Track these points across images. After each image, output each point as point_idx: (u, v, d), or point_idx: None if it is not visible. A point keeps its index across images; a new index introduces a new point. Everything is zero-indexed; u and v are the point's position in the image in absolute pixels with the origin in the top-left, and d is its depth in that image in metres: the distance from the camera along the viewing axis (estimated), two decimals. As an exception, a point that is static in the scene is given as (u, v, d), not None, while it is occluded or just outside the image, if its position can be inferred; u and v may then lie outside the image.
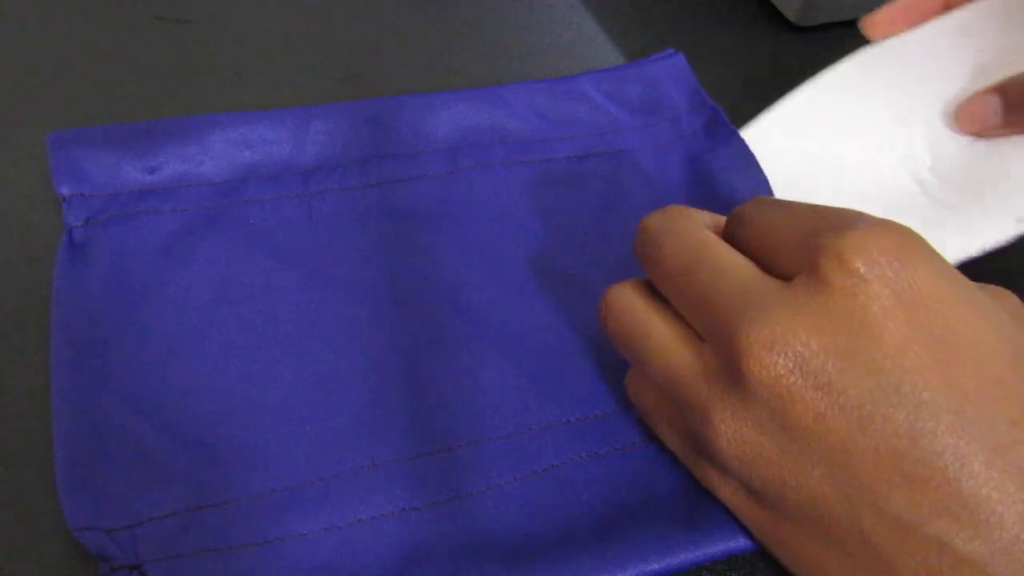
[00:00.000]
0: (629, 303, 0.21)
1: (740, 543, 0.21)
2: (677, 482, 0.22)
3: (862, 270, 0.17)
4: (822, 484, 0.17)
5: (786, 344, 0.17)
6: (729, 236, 0.21)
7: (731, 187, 0.29)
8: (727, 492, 0.20)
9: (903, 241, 0.17)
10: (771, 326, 0.17)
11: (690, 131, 0.31)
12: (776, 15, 0.40)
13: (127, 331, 0.24)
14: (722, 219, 0.22)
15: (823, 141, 0.29)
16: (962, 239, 0.25)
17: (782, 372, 0.17)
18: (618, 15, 0.39)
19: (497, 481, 0.22)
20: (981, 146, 0.28)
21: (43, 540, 0.21)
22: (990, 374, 0.16)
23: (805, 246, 0.18)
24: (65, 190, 0.26)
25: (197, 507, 0.21)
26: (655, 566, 0.20)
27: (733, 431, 0.18)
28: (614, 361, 0.25)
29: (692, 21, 0.40)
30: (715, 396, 0.18)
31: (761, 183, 0.28)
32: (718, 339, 0.18)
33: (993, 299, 0.18)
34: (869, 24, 0.29)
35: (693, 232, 0.21)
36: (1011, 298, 0.20)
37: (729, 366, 0.18)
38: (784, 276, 0.18)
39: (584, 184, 0.30)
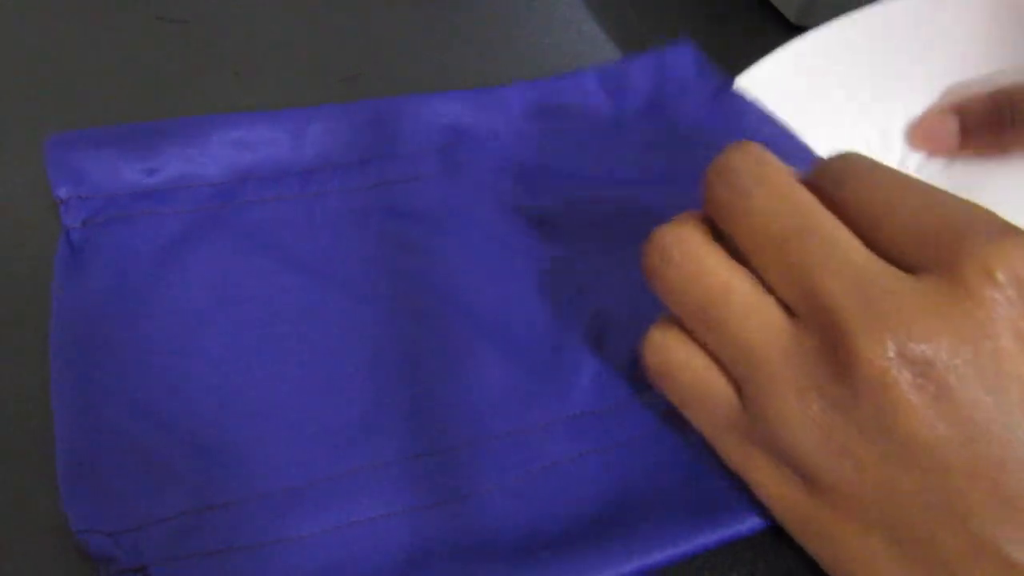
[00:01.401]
0: (697, 250, 0.18)
1: (743, 527, 0.21)
2: (680, 474, 0.22)
3: (1007, 289, 0.16)
4: (909, 490, 0.16)
5: (911, 346, 0.16)
6: (813, 187, 0.19)
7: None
8: (771, 480, 0.18)
9: None
10: (895, 323, 0.16)
11: (696, 113, 0.31)
12: (776, 15, 0.40)
13: (126, 333, 0.24)
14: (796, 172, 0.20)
15: (800, 104, 0.29)
16: None
17: (900, 376, 0.16)
18: (618, 15, 0.39)
19: (499, 480, 0.22)
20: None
21: (43, 540, 0.21)
22: None
23: (943, 243, 0.16)
24: (63, 192, 0.26)
25: (201, 509, 0.21)
26: (659, 557, 0.20)
27: (825, 423, 0.17)
28: (613, 356, 0.25)
29: (692, 21, 0.40)
30: (810, 382, 0.17)
31: (796, 145, 0.27)
32: (823, 322, 0.17)
33: None
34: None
35: (792, 190, 0.18)
36: None
37: (835, 354, 0.16)
38: (897, 260, 0.17)
39: (582, 182, 0.30)
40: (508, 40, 0.37)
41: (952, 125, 0.27)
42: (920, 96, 0.29)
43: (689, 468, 0.23)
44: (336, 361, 0.24)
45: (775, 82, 0.29)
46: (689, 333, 0.19)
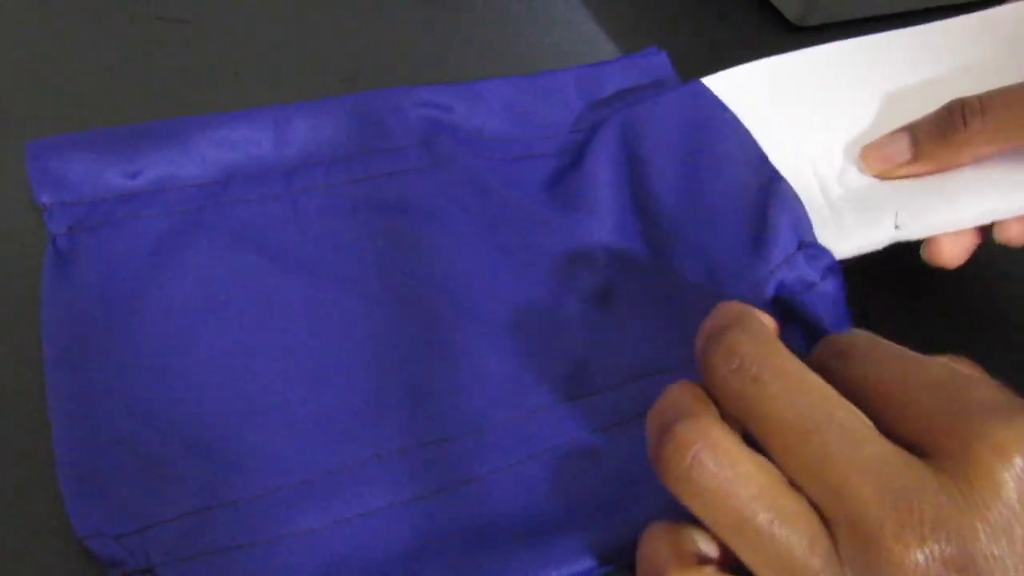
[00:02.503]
0: (730, 452, 0.17)
1: None
2: None
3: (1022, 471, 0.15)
4: None
5: (936, 538, 0.15)
6: (818, 365, 0.18)
7: (716, 160, 0.28)
8: None
9: None
10: (930, 527, 0.15)
11: (666, 109, 0.31)
12: (776, 15, 0.40)
13: (119, 337, 0.24)
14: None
15: (760, 120, 0.29)
16: (838, 242, 0.25)
17: (929, 568, 0.15)
18: (618, 15, 0.39)
19: (500, 464, 0.22)
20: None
21: (45, 542, 0.21)
22: None
23: (956, 426, 0.16)
24: (46, 199, 0.26)
25: (205, 508, 0.21)
26: None
27: None
28: (604, 340, 0.25)
29: (692, 21, 0.40)
30: None
31: (752, 152, 0.28)
32: (852, 524, 0.16)
33: None
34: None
35: (806, 377, 0.17)
36: None
37: (867, 559, 0.15)
38: (908, 441, 0.16)
39: (561, 179, 0.30)
40: (508, 40, 0.37)
41: (902, 140, 0.27)
42: (875, 126, 0.29)
43: None
44: (330, 355, 0.24)
45: (740, 90, 0.30)
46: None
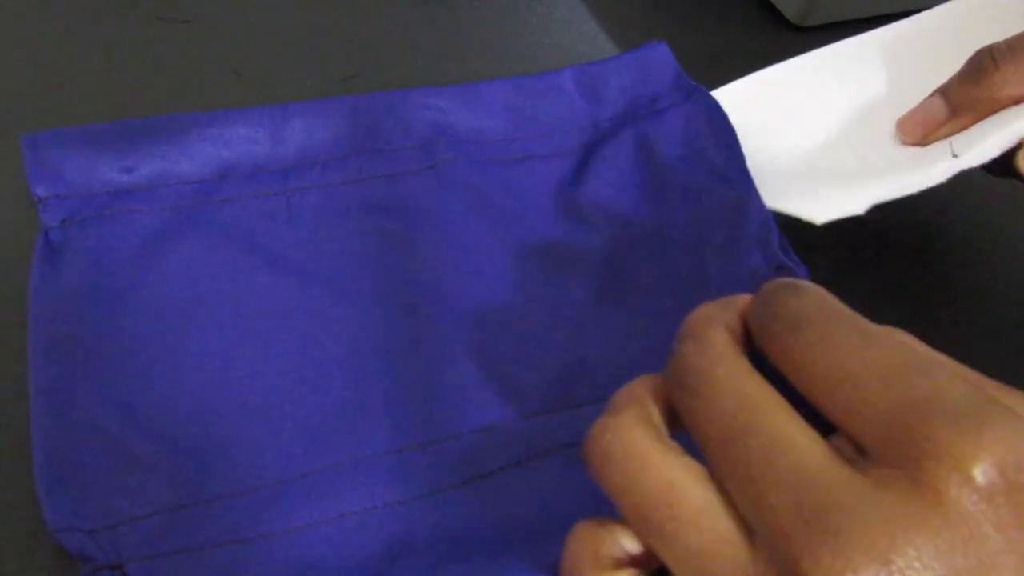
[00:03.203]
0: (638, 446, 0.16)
1: None
2: None
3: (984, 484, 0.13)
4: None
5: (883, 570, 0.13)
6: (761, 327, 0.17)
7: (712, 171, 0.29)
8: None
9: None
10: (855, 553, 0.13)
11: (669, 117, 0.31)
12: (776, 15, 0.40)
13: (105, 331, 0.24)
14: (746, 299, 0.18)
15: (769, 124, 0.29)
16: (894, 181, 0.25)
17: None
18: (618, 15, 0.39)
19: (478, 473, 0.22)
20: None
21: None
22: None
23: (909, 428, 0.14)
24: (41, 191, 0.26)
25: (179, 506, 0.21)
26: None
27: None
28: (599, 347, 0.25)
29: (692, 21, 0.40)
30: None
31: (740, 169, 0.28)
32: (773, 544, 0.14)
33: None
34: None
35: (740, 380, 0.16)
36: None
37: None
38: (851, 437, 0.15)
39: (560, 181, 0.30)
40: (508, 40, 0.37)
41: (935, 102, 0.27)
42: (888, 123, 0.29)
43: None
44: (316, 357, 0.24)
45: (750, 100, 0.30)
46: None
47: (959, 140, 0.25)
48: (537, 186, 0.29)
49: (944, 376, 0.14)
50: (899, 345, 0.15)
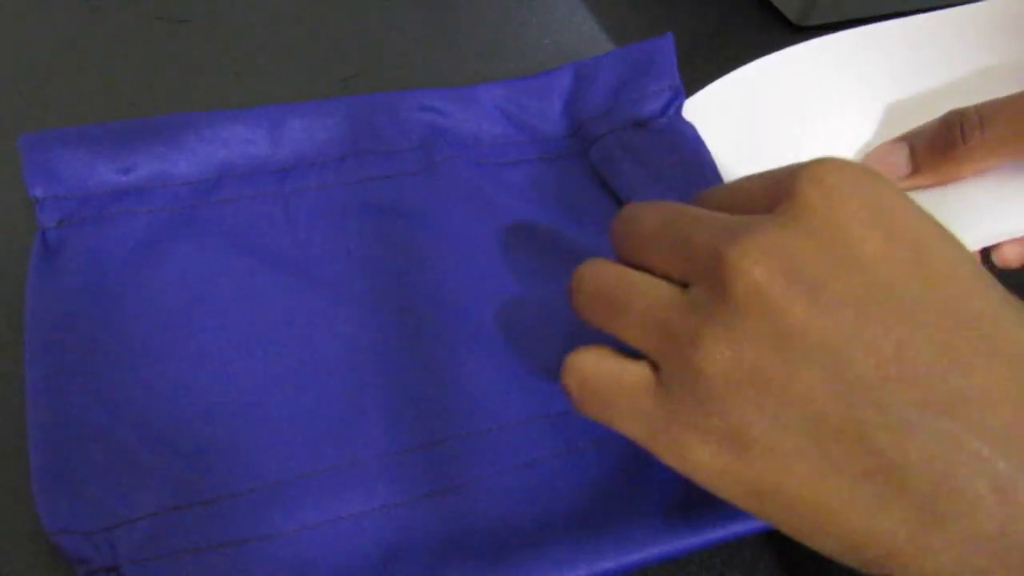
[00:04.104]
0: (603, 266, 0.22)
1: (717, 534, 0.21)
2: (655, 474, 0.22)
3: (838, 189, 0.18)
4: (821, 392, 0.17)
5: (775, 254, 0.18)
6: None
7: (685, 176, 0.29)
8: (707, 460, 0.19)
9: (869, 171, 0.18)
10: (758, 239, 0.18)
11: (649, 121, 0.31)
12: (776, 15, 0.40)
13: (102, 333, 0.23)
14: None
15: (746, 127, 0.29)
16: None
17: (773, 279, 0.17)
18: (618, 15, 0.39)
19: (476, 476, 0.22)
20: None
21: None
22: (963, 275, 0.17)
23: (777, 184, 0.19)
24: (38, 192, 0.26)
25: (176, 507, 0.21)
26: (633, 558, 0.20)
27: (725, 352, 0.18)
28: None
29: (692, 21, 0.40)
30: (704, 320, 0.18)
31: (710, 172, 0.29)
32: (703, 270, 0.19)
33: None
34: None
35: (671, 203, 0.22)
36: None
37: (717, 288, 0.18)
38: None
39: (557, 183, 0.30)
40: (508, 40, 0.37)
41: (901, 153, 0.27)
42: (867, 126, 0.29)
43: (664, 469, 0.22)
44: (314, 359, 0.24)
45: (725, 103, 0.30)
46: (602, 347, 0.21)
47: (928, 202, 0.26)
48: (533, 187, 0.29)
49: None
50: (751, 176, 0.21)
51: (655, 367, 0.20)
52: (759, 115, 0.30)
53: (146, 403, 0.22)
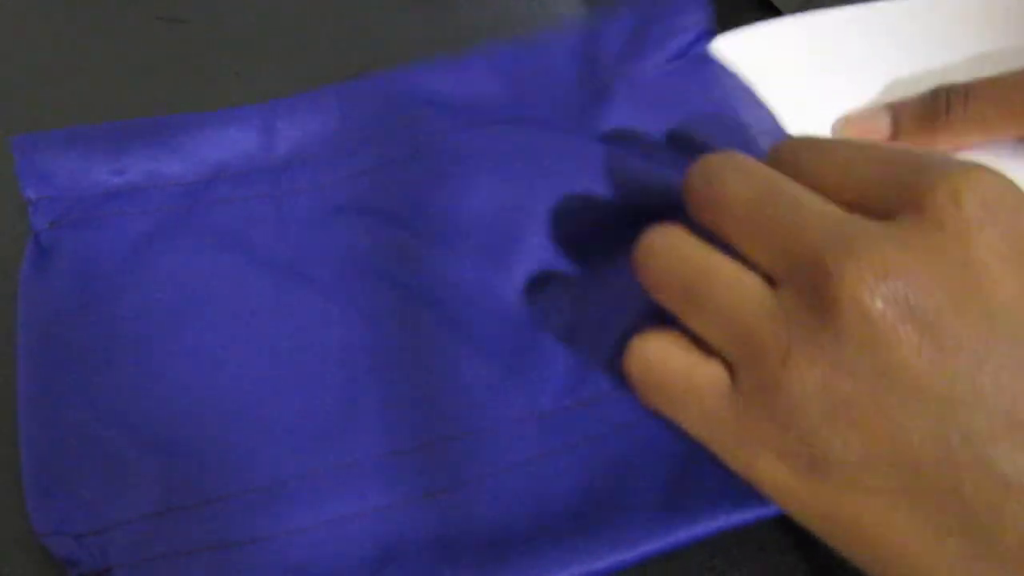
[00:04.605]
0: (677, 240, 0.19)
1: (710, 526, 0.21)
2: (647, 472, 0.22)
3: (977, 213, 0.16)
4: (919, 438, 0.16)
5: (893, 279, 0.15)
6: (777, 168, 0.19)
7: (724, 122, 0.28)
8: (775, 473, 0.18)
9: (1013, 189, 0.16)
10: (875, 259, 0.16)
11: (676, 64, 0.30)
12: (776, 15, 0.40)
13: (95, 335, 0.23)
14: None
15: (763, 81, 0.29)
16: None
17: (886, 309, 0.15)
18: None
19: (471, 477, 0.22)
20: None
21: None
22: None
23: (907, 184, 0.17)
24: (31, 193, 0.26)
25: (168, 509, 0.21)
26: (625, 556, 0.20)
27: (817, 377, 0.16)
28: (586, 353, 0.25)
29: (692, 21, 0.39)
30: (798, 337, 0.16)
31: (763, 114, 0.28)
32: (802, 275, 0.17)
33: None
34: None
35: (757, 166, 0.19)
36: None
37: (817, 303, 0.16)
38: (865, 214, 0.17)
39: (560, 158, 0.28)
40: (508, 40, 0.37)
41: (883, 118, 0.27)
42: (868, 96, 0.29)
43: (656, 467, 0.22)
44: (308, 360, 0.24)
45: (745, 54, 0.30)
46: (672, 335, 0.20)
47: None
48: (533, 172, 0.27)
49: (923, 151, 0.18)
50: (878, 144, 0.19)
51: (730, 368, 0.18)
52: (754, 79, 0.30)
53: (138, 405, 0.22)
